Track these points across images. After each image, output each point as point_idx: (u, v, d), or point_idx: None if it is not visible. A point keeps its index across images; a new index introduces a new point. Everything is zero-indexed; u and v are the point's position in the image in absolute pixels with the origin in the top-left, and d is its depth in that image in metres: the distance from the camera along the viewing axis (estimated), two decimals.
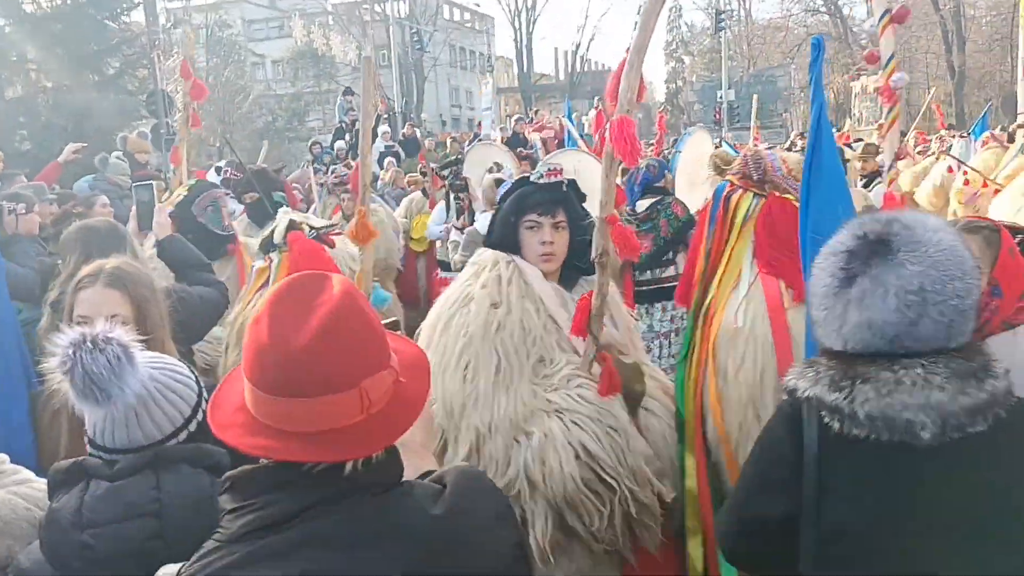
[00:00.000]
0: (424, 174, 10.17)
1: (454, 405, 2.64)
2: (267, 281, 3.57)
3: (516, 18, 47.71)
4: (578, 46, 49.90)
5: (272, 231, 3.70)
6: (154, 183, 4.30)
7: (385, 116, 20.73)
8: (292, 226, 3.66)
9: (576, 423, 2.60)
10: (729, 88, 34.99)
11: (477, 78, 42.80)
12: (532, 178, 2.98)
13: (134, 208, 3.99)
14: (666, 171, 6.14)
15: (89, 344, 1.68)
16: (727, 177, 3.21)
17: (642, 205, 5.72)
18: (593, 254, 2.62)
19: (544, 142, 12.44)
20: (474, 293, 2.79)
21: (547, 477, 2.54)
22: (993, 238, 2.67)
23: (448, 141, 15.18)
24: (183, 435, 1.83)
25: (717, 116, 32.45)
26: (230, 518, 1.40)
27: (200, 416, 1.85)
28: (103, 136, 10.22)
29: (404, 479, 1.47)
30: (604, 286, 2.64)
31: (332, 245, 3.86)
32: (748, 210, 3.07)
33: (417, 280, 8.80)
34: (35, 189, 5.74)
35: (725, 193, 3.15)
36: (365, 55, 6.41)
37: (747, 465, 2.03)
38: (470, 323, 2.72)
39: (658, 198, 5.69)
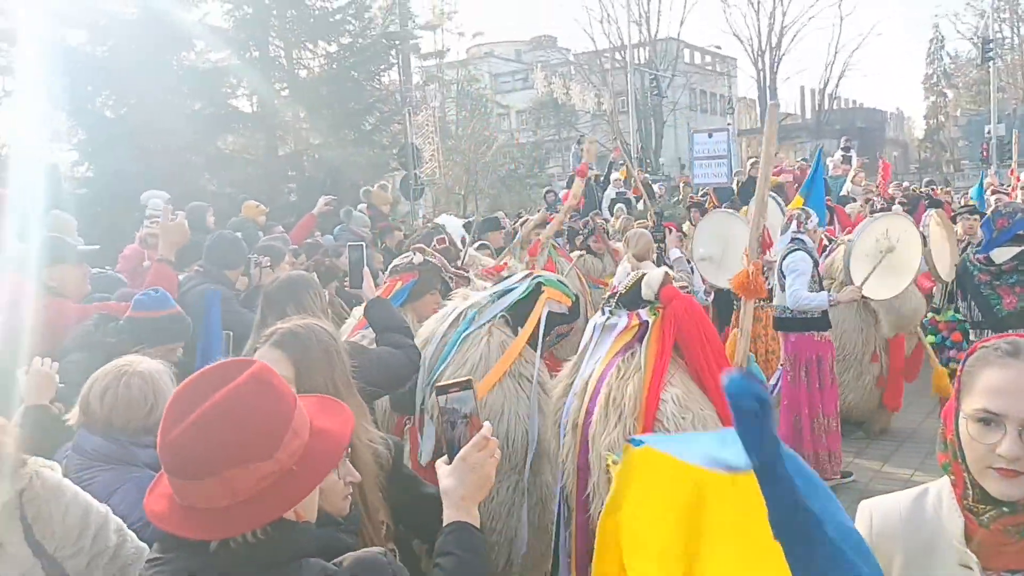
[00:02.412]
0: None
1: None
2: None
3: (759, 59, 46.54)
4: (826, 83, 47.80)
5: (633, 285, 3.52)
6: (364, 243, 4.43)
7: (621, 163, 20.82)
8: (665, 280, 3.48)
9: None
10: (1000, 122, 31.89)
11: (717, 120, 42.11)
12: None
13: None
14: None
15: None
16: None
17: (1002, 255, 5.61)
18: None
19: (781, 187, 11.85)
20: None
21: None
22: None
23: (682, 185, 14.90)
24: None
25: (984, 153, 29.62)
26: (147, 567, 1.62)
27: None
28: (356, 188, 11.00)
29: (308, 558, 1.60)
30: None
31: None
32: None
33: None
34: (282, 240, 6.25)
35: None
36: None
37: None
38: None
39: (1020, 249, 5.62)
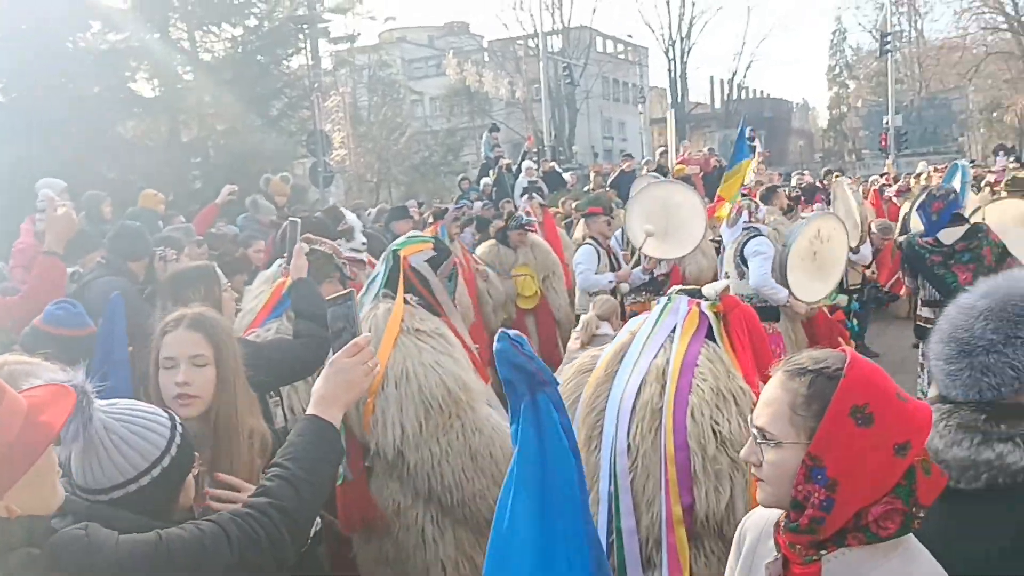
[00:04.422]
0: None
1: None
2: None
3: (670, 48, 47.34)
4: (735, 73, 48.96)
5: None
6: (299, 221, 4.37)
7: (535, 151, 20.87)
8: (727, 289, 3.32)
9: None
10: (897, 113, 33.25)
11: (630, 109, 42.68)
12: None
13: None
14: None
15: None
16: None
17: (951, 235, 5.81)
18: None
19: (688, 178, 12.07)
20: None
21: None
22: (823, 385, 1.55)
23: (591, 175, 15.04)
24: (132, 487, 1.87)
25: (883, 143, 30.84)
26: None
27: (158, 470, 1.90)
28: (264, 176, 10.76)
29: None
30: None
31: None
32: None
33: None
34: (184, 232, 6.06)
35: None
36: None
37: None
38: None
39: (967, 227, 5.89)
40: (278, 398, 3.51)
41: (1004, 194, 8.83)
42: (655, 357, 3.12)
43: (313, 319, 3.53)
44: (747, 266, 6.53)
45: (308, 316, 3.57)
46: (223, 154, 14.43)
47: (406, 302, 3.75)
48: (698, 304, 3.23)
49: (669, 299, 3.31)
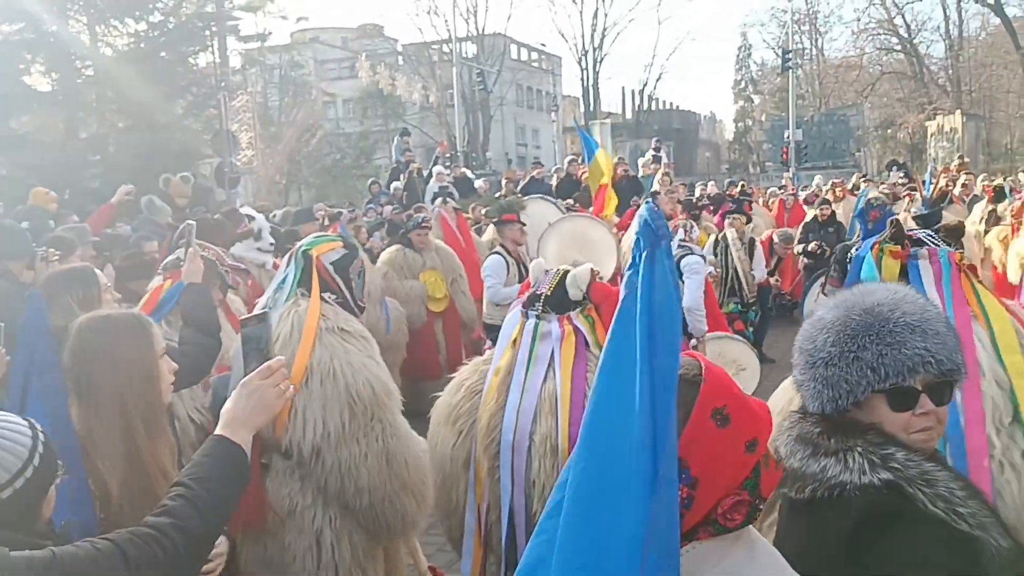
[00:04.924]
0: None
1: None
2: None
3: (583, 58, 48.00)
4: (645, 85, 49.94)
5: (557, 283, 3.31)
6: (195, 224, 4.30)
7: (447, 156, 20.91)
8: (592, 278, 3.30)
9: None
10: (798, 128, 34.48)
11: (543, 117, 43.03)
12: None
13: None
14: None
15: None
16: None
17: None
18: None
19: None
20: None
21: None
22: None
23: (503, 181, 15.14)
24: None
25: (784, 156, 31.94)
26: None
27: (20, 482, 1.83)
28: (167, 174, 10.45)
29: None
30: None
31: None
32: None
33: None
34: (77, 232, 5.87)
35: None
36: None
37: None
38: None
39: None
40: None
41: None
42: (544, 380, 3.16)
43: (200, 327, 3.45)
44: (683, 280, 6.67)
45: (196, 324, 3.48)
46: (124, 152, 13.93)
47: (324, 300, 3.72)
48: (568, 319, 3.22)
49: (537, 322, 3.25)
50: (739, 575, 1.52)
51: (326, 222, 9.93)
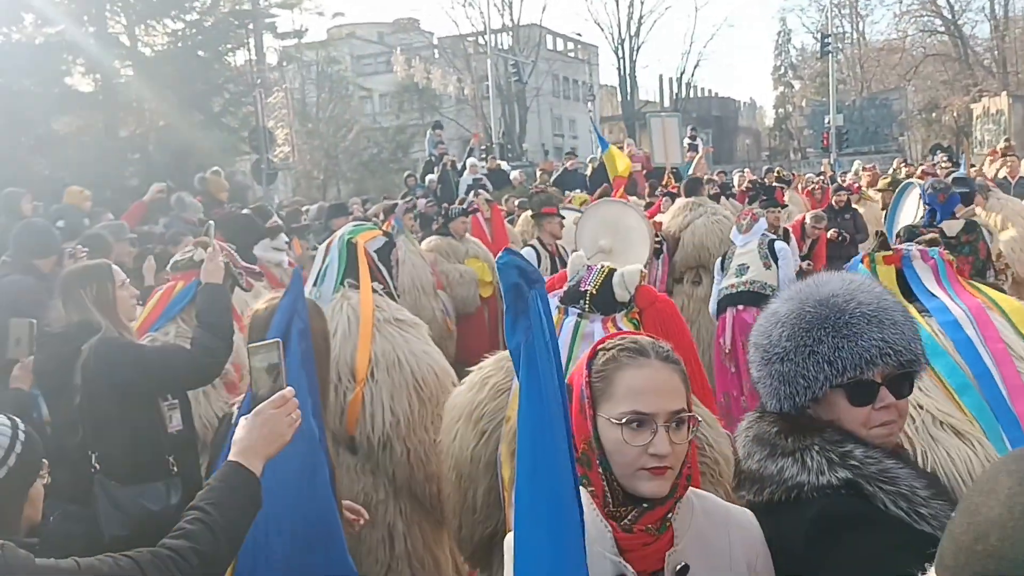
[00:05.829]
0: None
1: None
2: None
3: (619, 47, 47.61)
4: (683, 72, 49.42)
5: (603, 282, 3.14)
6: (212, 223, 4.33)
7: (482, 148, 20.88)
8: (642, 279, 3.16)
9: None
10: (839, 113, 33.89)
11: (580, 107, 42.83)
12: None
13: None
14: None
15: None
16: None
17: (952, 227, 6.02)
18: None
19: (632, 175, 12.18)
20: None
21: None
22: None
23: (538, 172, 15.06)
24: None
25: (825, 142, 31.41)
26: None
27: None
28: (204, 172, 10.58)
29: None
30: None
31: None
32: None
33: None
34: (113, 229, 5.95)
35: None
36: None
37: None
38: None
39: (965, 220, 6.16)
40: (175, 402, 3.44)
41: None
42: None
43: (213, 330, 3.43)
44: (775, 258, 7.01)
45: (209, 326, 3.46)
46: (162, 150, 14.17)
47: (375, 291, 3.71)
48: (613, 321, 3.06)
49: (579, 322, 3.08)
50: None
51: (380, 216, 9.88)
